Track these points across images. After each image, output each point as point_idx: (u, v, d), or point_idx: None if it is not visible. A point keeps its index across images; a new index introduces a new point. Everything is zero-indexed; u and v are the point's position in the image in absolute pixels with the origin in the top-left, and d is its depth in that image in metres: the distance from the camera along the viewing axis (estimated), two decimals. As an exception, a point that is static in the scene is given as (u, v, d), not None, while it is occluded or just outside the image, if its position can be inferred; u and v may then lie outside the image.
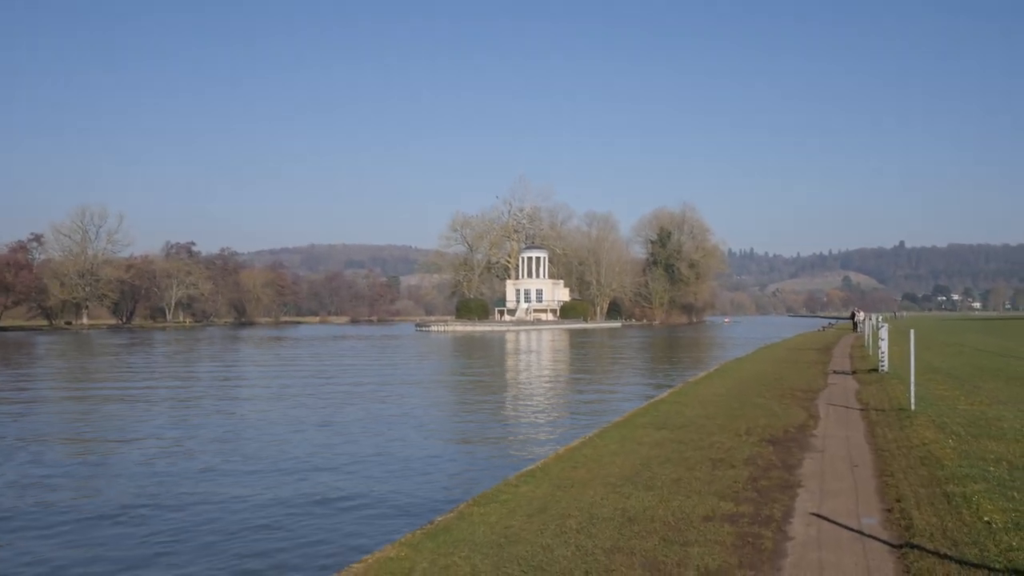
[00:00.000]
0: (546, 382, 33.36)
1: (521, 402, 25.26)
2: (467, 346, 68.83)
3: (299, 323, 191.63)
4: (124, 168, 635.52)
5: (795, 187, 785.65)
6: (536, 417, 21.17)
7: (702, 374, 26.66)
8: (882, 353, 24.58)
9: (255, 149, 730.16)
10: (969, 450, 10.71)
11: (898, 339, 40.76)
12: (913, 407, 15.10)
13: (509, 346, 68.26)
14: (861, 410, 16.08)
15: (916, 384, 19.00)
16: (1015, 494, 8.06)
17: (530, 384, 32.51)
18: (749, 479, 9.64)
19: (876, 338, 34.11)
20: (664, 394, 20.08)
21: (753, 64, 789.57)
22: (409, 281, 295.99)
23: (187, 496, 12.58)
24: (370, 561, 6.92)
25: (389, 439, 17.72)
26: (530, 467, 10.68)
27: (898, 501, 8.24)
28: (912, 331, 15.58)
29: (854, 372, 25.62)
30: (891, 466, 10.09)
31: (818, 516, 7.88)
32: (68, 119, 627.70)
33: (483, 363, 47.37)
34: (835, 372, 25.98)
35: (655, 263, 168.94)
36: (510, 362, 48.01)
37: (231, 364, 47.15)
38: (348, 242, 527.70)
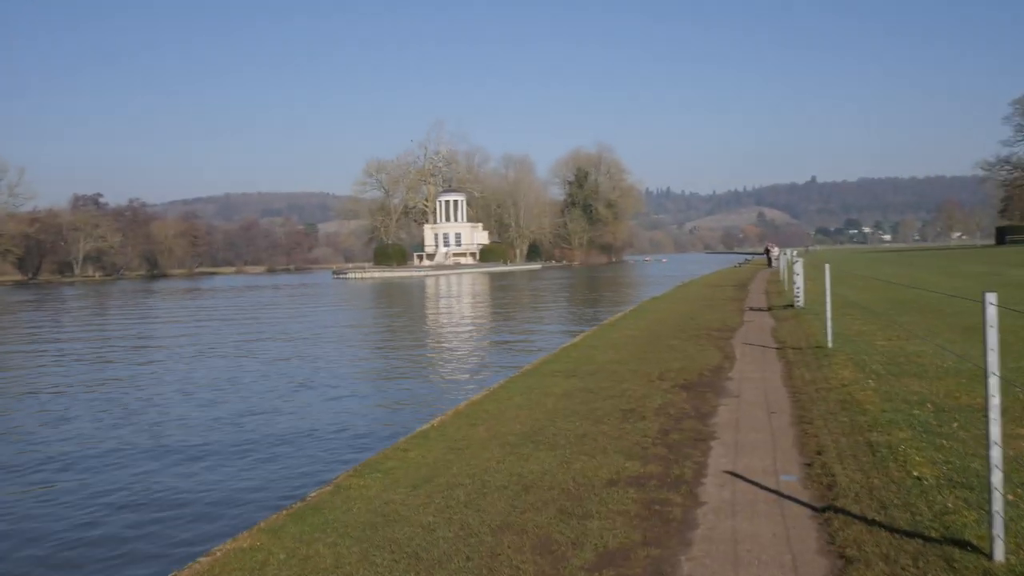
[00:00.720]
0: (460, 329, 32.46)
1: (432, 353, 24.29)
2: (384, 293, 67.48)
3: (214, 274, 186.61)
4: (30, 119, 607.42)
5: (710, 125, 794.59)
6: (445, 368, 20.24)
7: (617, 315, 26.04)
8: (797, 288, 24.24)
9: (165, 98, 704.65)
10: (891, 391, 10.12)
11: (812, 273, 40.87)
12: (831, 344, 14.59)
13: (426, 291, 67.14)
14: (777, 349, 15.53)
15: (832, 320, 18.64)
16: (944, 442, 7.41)
17: (442, 332, 31.57)
18: (660, 432, 8.86)
19: (791, 273, 34.04)
20: (576, 338, 19.32)
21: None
22: (328, 228, 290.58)
23: None
24: (218, 554, 5.90)
25: (285, 399, 16.60)
26: (424, 427, 9.73)
27: (819, 454, 7.52)
28: (827, 266, 15.02)
29: (770, 308, 25.29)
30: (810, 412, 9.42)
31: (733, 474, 7.11)
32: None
33: (397, 310, 46.23)
34: (751, 309, 25.62)
35: (573, 204, 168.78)
36: (425, 308, 46.97)
37: (132, 319, 45.05)
38: (264, 190, 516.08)
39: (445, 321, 36.77)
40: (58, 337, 33.86)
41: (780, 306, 25.47)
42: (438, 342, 26.72)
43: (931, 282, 35.51)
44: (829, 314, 14.75)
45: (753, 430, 8.85)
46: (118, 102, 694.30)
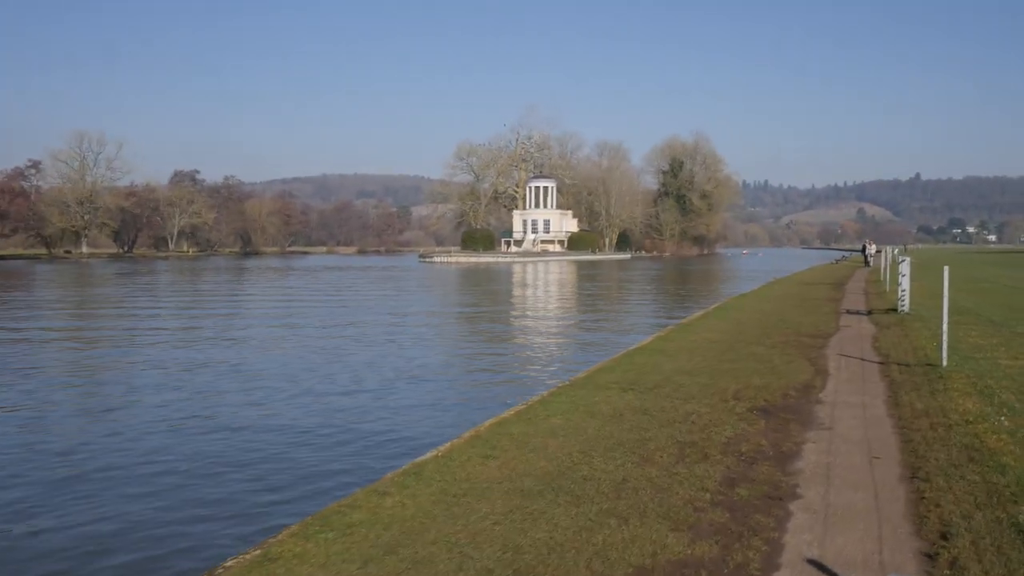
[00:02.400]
0: (529, 322, 30.52)
1: (492, 349, 22.33)
2: (465, 279, 66.00)
3: (306, 253, 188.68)
4: (137, 97, 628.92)
5: (810, 118, 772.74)
6: (498, 368, 18.15)
7: (696, 314, 23.69)
8: (902, 291, 21.54)
9: (266, 79, 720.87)
10: (1033, 436, 7.79)
11: (917, 274, 37.70)
12: (945, 362, 12.15)
13: (507, 279, 65.38)
14: (880, 364, 13.13)
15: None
16: None
17: (510, 324, 29.67)
18: (723, 482, 6.77)
19: (895, 273, 31.04)
20: (646, 339, 17.15)
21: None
22: (421, 212, 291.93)
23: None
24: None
25: (309, 397, 14.93)
26: (424, 456, 7.81)
27: (944, 538, 5.34)
28: (946, 268, 12.54)
29: (870, 312, 22.63)
30: (926, 461, 7.18)
31: (819, 567, 4.99)
32: (75, 46, 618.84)
33: (471, 298, 44.55)
34: (848, 312, 23.00)
35: (666, 194, 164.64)
36: (501, 297, 45.16)
37: (186, 297, 44.47)
38: (361, 172, 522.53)
39: (516, 312, 34.87)
40: (153, 314, 33.21)
41: (881, 310, 22.78)
42: (501, 336, 24.81)
43: (1054, 288, 32.07)
44: (945, 326, 12.27)
45: (849, 486, 6.67)
46: (219, 82, 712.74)
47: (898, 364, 12.86)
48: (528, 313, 33.91)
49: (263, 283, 59.84)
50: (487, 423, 9.30)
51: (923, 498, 6.19)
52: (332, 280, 62.85)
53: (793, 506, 6.19)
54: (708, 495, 6.42)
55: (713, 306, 26.25)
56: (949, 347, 12.80)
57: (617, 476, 6.96)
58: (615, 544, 5.37)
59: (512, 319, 30.88)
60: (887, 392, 10.74)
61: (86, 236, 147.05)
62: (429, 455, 7.83)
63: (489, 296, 45.58)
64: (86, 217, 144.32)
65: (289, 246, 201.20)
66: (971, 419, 8.60)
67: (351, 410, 13.43)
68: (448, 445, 8.23)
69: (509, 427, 8.88)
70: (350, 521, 5.90)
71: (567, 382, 11.98)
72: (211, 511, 8.51)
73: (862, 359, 13.76)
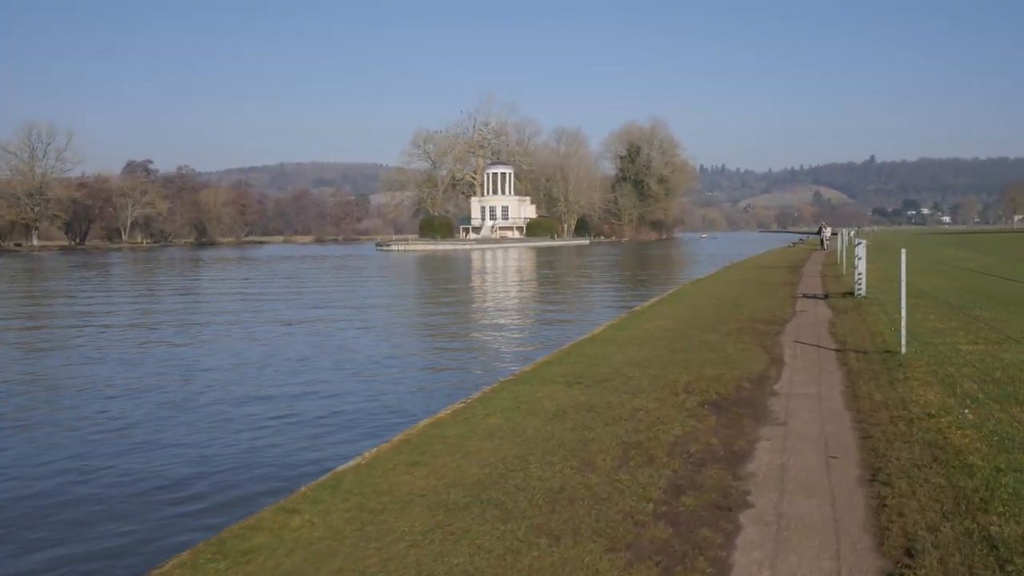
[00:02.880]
0: (481, 311, 29.87)
1: (441, 340, 21.66)
2: (419, 267, 65.17)
3: (262, 243, 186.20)
4: (89, 87, 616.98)
5: (767, 103, 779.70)
6: (444, 362, 17.42)
7: (651, 300, 23.17)
8: (859, 275, 21.21)
9: (222, 68, 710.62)
10: (1000, 430, 7.30)
11: (873, 256, 37.62)
12: (904, 349, 11.69)
13: (463, 266, 64.65)
14: (837, 351, 12.66)
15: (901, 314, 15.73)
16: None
17: (461, 314, 28.99)
18: (668, 489, 6.18)
19: (851, 256, 30.83)
20: (597, 329, 16.57)
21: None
22: (379, 200, 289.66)
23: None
24: None
25: (243, 392, 14.16)
26: (348, 464, 7.13)
27: (908, 555, 4.79)
28: (903, 250, 12.07)
29: (826, 296, 22.28)
30: (887, 461, 6.66)
31: (769, 593, 4.40)
32: (23, 35, 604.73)
33: (424, 287, 43.80)
34: (804, 296, 22.63)
35: (624, 179, 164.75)
36: (454, 285, 44.43)
37: (124, 291, 43.21)
38: (319, 160, 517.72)
39: (469, 301, 34.19)
40: (102, 310, 32.01)
41: (838, 294, 22.45)
42: (451, 327, 24.11)
43: (1007, 269, 32.08)
44: (904, 312, 11.81)
45: (804, 491, 6.12)
46: (173, 68, 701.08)
47: (856, 351, 12.39)
48: (481, 302, 33.24)
49: (211, 274, 58.50)
50: (420, 424, 8.64)
51: (884, 505, 5.65)
52: (283, 270, 61.65)
53: (743, 517, 5.61)
54: (651, 506, 5.83)
55: (668, 292, 25.77)
56: (908, 332, 12.36)
57: (554, 484, 6.34)
58: (542, 570, 4.74)
59: (464, 309, 30.19)
60: (844, 382, 10.24)
61: (36, 228, 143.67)
62: (350, 463, 7.16)
63: (442, 285, 44.84)
64: (36, 209, 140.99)
65: (245, 236, 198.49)
66: (933, 412, 8.10)
67: (281, 409, 12.69)
68: (374, 451, 7.57)
69: (444, 428, 8.23)
70: (249, 546, 5.21)
71: (512, 376, 11.35)
72: (113, 531, 7.77)
73: (818, 346, 13.29)
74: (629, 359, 12.23)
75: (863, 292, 20.73)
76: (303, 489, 6.45)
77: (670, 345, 13.57)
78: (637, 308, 20.84)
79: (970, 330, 13.91)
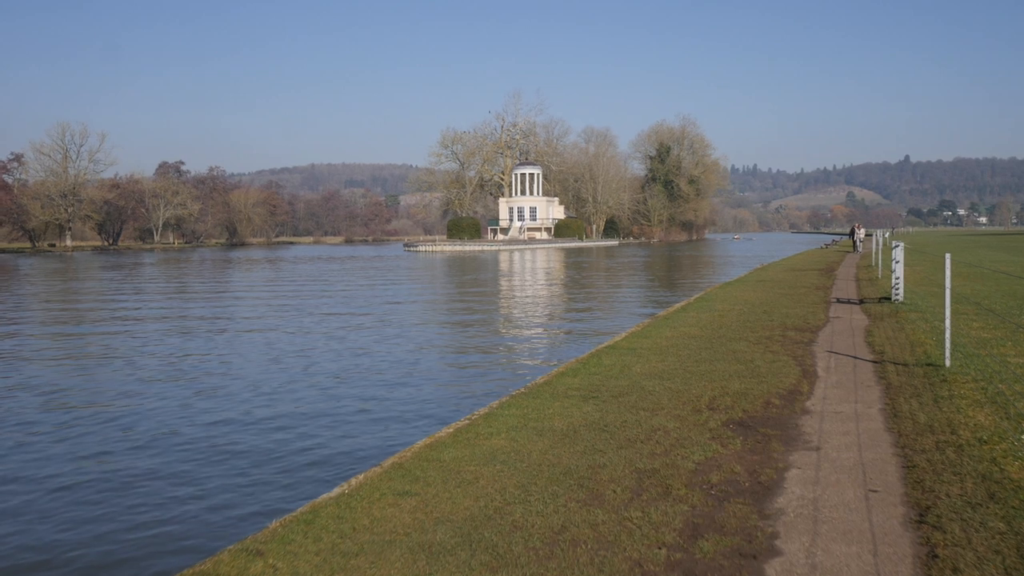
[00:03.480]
0: (505, 314, 29.13)
1: (457, 347, 20.94)
2: (446, 268, 64.57)
3: (292, 243, 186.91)
4: (123, 89, 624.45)
5: (799, 102, 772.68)
6: (457, 370, 16.67)
7: (678, 305, 22.32)
8: (896, 279, 20.25)
9: (254, 70, 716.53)
10: (1064, 462, 6.46)
11: (909, 259, 36.45)
12: (948, 362, 10.82)
13: (489, 267, 63.95)
14: (874, 363, 11.80)
15: (941, 320, 14.82)
16: None
17: (485, 318, 28.27)
18: (684, 532, 5.42)
19: (887, 259, 29.75)
20: (619, 336, 15.78)
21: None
22: (409, 200, 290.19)
23: None
24: None
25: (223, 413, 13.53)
26: (327, 494, 6.43)
27: (969, 627, 3.99)
28: (948, 255, 11.17)
29: (861, 301, 21.33)
30: (936, 499, 5.85)
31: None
32: (58, 38, 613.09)
33: (449, 289, 43.14)
34: (838, 301, 21.69)
35: (654, 179, 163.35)
36: (479, 287, 43.74)
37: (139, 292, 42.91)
38: (349, 161, 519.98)
39: (490, 303, 33.47)
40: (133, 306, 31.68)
41: (874, 299, 21.50)
42: (471, 332, 23.39)
43: (1051, 272, 30.82)
44: (948, 321, 10.93)
45: (841, 535, 5.33)
46: (206, 73, 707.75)
47: (895, 363, 11.53)
48: (503, 305, 32.53)
49: (232, 275, 58.28)
50: (418, 444, 7.94)
51: (935, 556, 4.85)
52: (308, 272, 61.31)
53: (770, 568, 4.84)
54: (663, 552, 5.08)
55: (695, 296, 24.89)
56: (951, 342, 11.49)
57: (555, 522, 5.61)
58: (529, 640, 4.01)
59: (485, 312, 29.49)
60: (884, 399, 9.41)
61: (70, 229, 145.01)
62: (333, 492, 6.46)
63: (466, 287, 44.17)
64: (69, 210, 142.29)
65: (276, 236, 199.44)
66: (985, 438, 7.27)
67: (278, 421, 12.03)
68: (361, 477, 6.87)
69: (441, 451, 7.52)
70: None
71: (524, 388, 10.62)
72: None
73: (854, 357, 12.43)
74: (649, 370, 11.46)
75: (901, 297, 19.79)
76: (273, 525, 5.76)
77: (694, 355, 12.77)
78: (661, 314, 20.01)
79: (1018, 341, 12.99)
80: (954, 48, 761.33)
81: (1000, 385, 9.41)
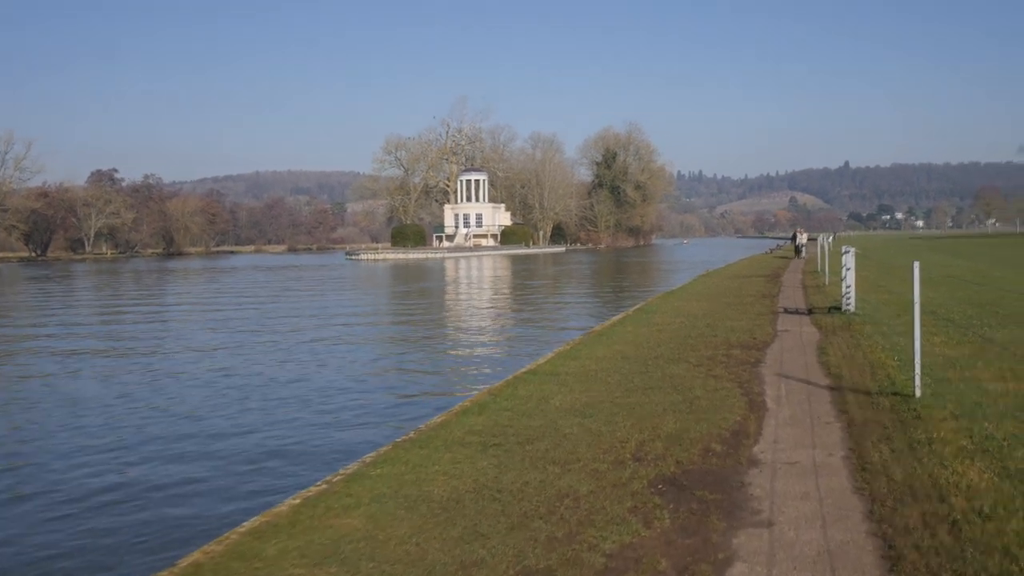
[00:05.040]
0: (428, 332, 27.15)
1: (358, 376, 18.80)
2: (386, 277, 62.37)
3: (233, 253, 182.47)
4: (57, 96, 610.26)
5: (743, 109, 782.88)
6: (345, 404, 14.35)
7: (615, 317, 20.54)
8: (847, 287, 18.73)
9: (195, 76, 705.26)
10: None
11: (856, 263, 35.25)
12: (918, 391, 9.13)
13: (429, 276, 61.88)
14: (831, 390, 10.10)
15: (900, 335, 13.24)
16: None
17: (401, 338, 26.23)
18: None
19: (834, 264, 28.41)
20: (541, 359, 13.89)
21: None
22: (356, 208, 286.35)
23: None
24: None
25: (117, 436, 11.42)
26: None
27: None
28: (916, 263, 9.47)
29: (810, 311, 19.79)
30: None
31: None
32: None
33: (378, 301, 41.06)
34: (786, 311, 20.14)
35: (600, 185, 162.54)
36: (408, 299, 41.69)
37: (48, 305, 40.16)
38: (295, 168, 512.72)
39: (419, 316, 31.47)
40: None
41: (823, 308, 19.97)
42: (385, 349, 21.33)
43: (1001, 278, 29.77)
44: (918, 343, 9.21)
45: None
46: (143, 78, 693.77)
47: (855, 391, 9.83)
48: (432, 318, 30.54)
49: (145, 287, 55.46)
50: (242, 527, 5.96)
51: None
52: (233, 283, 58.65)
53: None
54: None
55: (634, 307, 23.15)
56: (911, 358, 9.83)
57: None
58: None
59: (410, 326, 27.44)
60: (847, 442, 7.67)
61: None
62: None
63: (400, 298, 42.10)
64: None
65: (217, 245, 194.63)
66: (987, 510, 5.53)
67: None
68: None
69: (264, 543, 5.56)
70: None
71: (413, 433, 8.69)
72: None
73: (808, 382, 10.72)
74: (570, 404, 9.62)
75: (852, 307, 18.26)
76: None
77: (625, 381, 10.96)
78: (596, 328, 18.20)
79: (990, 359, 11.41)
80: (892, 54, 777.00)
81: (986, 424, 7.72)
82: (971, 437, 7.30)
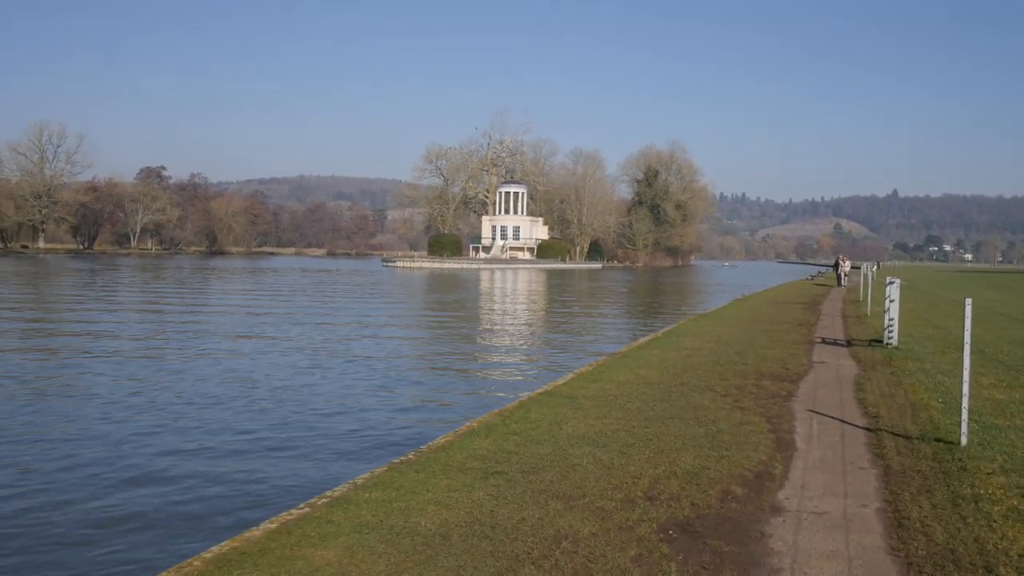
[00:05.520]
0: (457, 341, 26.61)
1: (371, 385, 18.33)
2: (421, 286, 62.05)
3: (273, 254, 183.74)
4: (110, 92, 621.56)
5: (789, 133, 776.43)
6: (352, 422, 13.96)
7: (643, 339, 19.84)
8: (890, 320, 17.89)
9: (244, 79, 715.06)
10: None
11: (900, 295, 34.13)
12: (964, 439, 8.38)
13: (464, 286, 61.42)
14: (867, 431, 9.37)
15: (945, 374, 12.45)
16: None
17: (428, 346, 25.73)
18: None
19: (877, 295, 27.50)
20: (562, 378, 13.25)
21: (747, 5, 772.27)
22: (396, 215, 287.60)
23: None
24: None
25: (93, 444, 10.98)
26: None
27: None
28: (968, 300, 8.72)
29: (849, 343, 18.95)
30: None
31: None
32: (42, 37, 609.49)
33: (410, 310, 40.64)
34: (823, 341, 19.32)
35: (640, 203, 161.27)
36: (442, 311, 41.21)
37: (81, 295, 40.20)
38: (339, 174, 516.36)
39: (446, 328, 30.96)
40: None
41: (863, 341, 19.14)
42: (406, 361, 20.80)
43: (1052, 316, 28.56)
44: (967, 384, 8.46)
45: None
46: (197, 81, 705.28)
47: (894, 434, 9.09)
48: (460, 331, 30.02)
49: (183, 284, 55.58)
50: (210, 552, 5.42)
51: None
52: (268, 283, 58.64)
53: None
54: None
55: (664, 329, 22.41)
56: (956, 400, 9.10)
57: None
58: None
59: (435, 339, 26.92)
60: (882, 492, 6.97)
61: (43, 231, 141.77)
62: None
63: (431, 308, 41.65)
64: (43, 211, 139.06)
65: (258, 246, 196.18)
66: (1042, 586, 4.83)
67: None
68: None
69: (229, 572, 5.01)
70: None
71: (411, 455, 8.11)
72: None
73: (842, 420, 9.99)
74: (583, 431, 8.99)
75: (895, 341, 17.42)
76: None
77: (645, 409, 10.31)
78: (621, 350, 17.54)
79: (1044, 405, 10.59)
80: (946, 83, 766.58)
81: (1040, 480, 6.97)
82: (1022, 494, 6.57)
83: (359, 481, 7.12)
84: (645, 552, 5.54)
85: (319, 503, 6.46)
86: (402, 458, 7.97)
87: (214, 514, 8.32)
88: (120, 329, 25.59)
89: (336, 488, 6.95)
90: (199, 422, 12.41)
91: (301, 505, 6.48)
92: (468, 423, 9.64)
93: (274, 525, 5.94)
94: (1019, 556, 5.32)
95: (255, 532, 5.79)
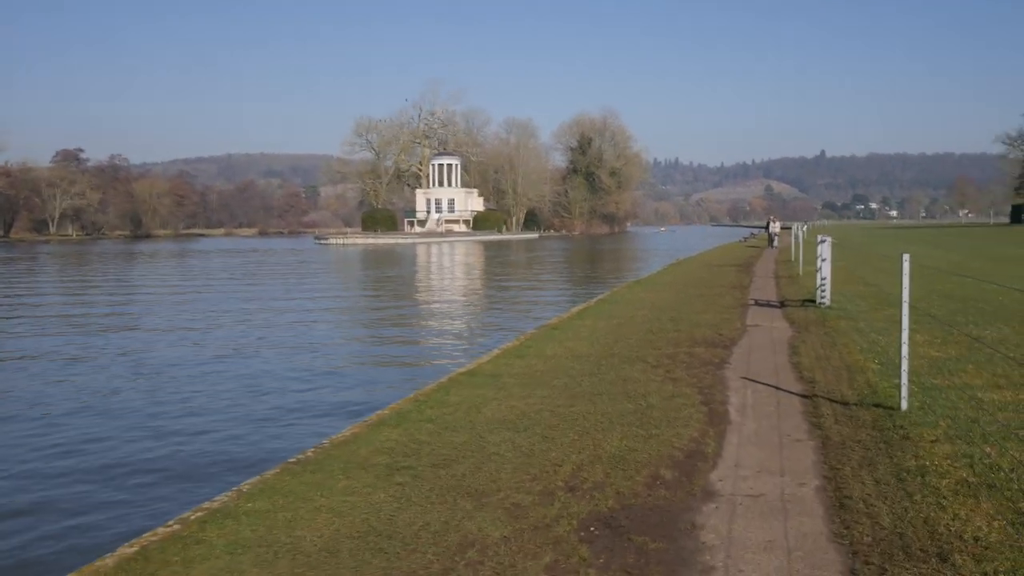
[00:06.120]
0: (383, 318, 25.78)
1: (291, 368, 17.51)
2: (352, 263, 60.81)
3: (202, 236, 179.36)
4: (20, 73, 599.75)
5: (720, 97, 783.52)
6: (261, 408, 13.24)
7: (575, 309, 19.24)
8: (822, 279, 17.53)
9: (166, 56, 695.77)
10: None
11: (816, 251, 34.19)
12: (904, 403, 7.87)
13: (398, 261, 60.35)
14: (803, 398, 8.84)
15: (879, 332, 12.09)
16: None
17: (351, 324, 24.88)
18: None
19: (809, 254, 27.37)
20: (486, 355, 12.55)
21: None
22: (329, 191, 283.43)
23: None
24: None
25: None
26: None
27: None
28: (906, 256, 8.20)
29: (782, 304, 18.60)
30: None
31: None
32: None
33: (334, 288, 39.60)
34: (757, 303, 18.93)
35: (575, 171, 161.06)
36: (372, 287, 40.23)
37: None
38: (268, 151, 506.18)
39: (375, 304, 30.08)
40: None
41: (796, 301, 18.80)
42: (328, 339, 19.95)
43: (980, 269, 28.76)
44: (906, 347, 7.93)
45: None
46: (114, 58, 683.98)
47: (831, 401, 8.57)
48: (388, 307, 29.14)
49: (104, 271, 53.61)
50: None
51: None
52: (187, 267, 56.89)
53: None
54: None
55: (596, 298, 21.84)
56: (893, 361, 8.63)
57: None
58: None
59: (362, 316, 26.04)
60: (822, 470, 6.40)
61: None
62: None
63: (359, 284, 40.63)
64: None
65: (186, 228, 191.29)
66: (1003, 572, 4.26)
67: None
68: None
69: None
70: None
71: (311, 451, 7.32)
72: None
73: (777, 388, 9.46)
74: (503, 415, 8.29)
75: (827, 301, 17.07)
76: None
77: (572, 386, 9.65)
78: (552, 321, 16.89)
79: (980, 362, 10.19)
80: (869, 44, 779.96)
81: (987, 449, 6.46)
82: (972, 467, 6.04)
83: (244, 488, 6.32)
84: (561, 557, 4.86)
85: (192, 518, 5.65)
86: (299, 456, 7.17)
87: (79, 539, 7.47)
88: None
89: (216, 498, 6.14)
90: (79, 431, 11.45)
91: (171, 521, 5.66)
92: (379, 411, 8.86)
93: (132, 549, 5.12)
94: (974, 539, 4.77)
95: (107, 561, 4.97)
